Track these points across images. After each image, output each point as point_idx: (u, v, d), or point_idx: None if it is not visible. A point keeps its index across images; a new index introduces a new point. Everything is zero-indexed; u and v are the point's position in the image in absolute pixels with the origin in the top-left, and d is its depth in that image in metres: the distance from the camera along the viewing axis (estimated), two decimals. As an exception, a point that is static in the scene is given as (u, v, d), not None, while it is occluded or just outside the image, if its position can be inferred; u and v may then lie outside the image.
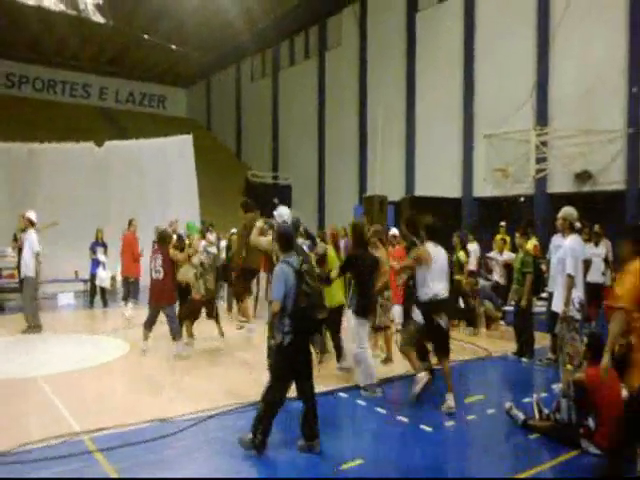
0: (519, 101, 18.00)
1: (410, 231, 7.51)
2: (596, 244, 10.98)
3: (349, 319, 7.26)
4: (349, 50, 25.77)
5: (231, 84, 35.09)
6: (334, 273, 7.16)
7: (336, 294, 7.78)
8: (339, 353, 7.82)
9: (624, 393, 4.97)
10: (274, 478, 4.87)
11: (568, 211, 6.95)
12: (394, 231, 10.52)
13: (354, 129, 25.40)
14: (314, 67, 28.12)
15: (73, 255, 14.87)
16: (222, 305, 12.44)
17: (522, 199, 17.76)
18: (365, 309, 7.00)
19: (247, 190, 25.64)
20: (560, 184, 17.15)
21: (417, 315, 6.56)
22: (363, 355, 6.89)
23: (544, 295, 9.46)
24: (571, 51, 17.00)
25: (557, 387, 6.81)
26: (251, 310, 9.69)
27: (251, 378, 7.37)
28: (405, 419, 5.98)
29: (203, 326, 9.93)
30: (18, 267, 12.65)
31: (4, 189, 16.05)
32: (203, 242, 10.88)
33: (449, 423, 5.88)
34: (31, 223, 11.01)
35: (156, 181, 17.43)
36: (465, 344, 9.57)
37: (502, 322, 11.01)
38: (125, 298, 12.48)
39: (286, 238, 5.32)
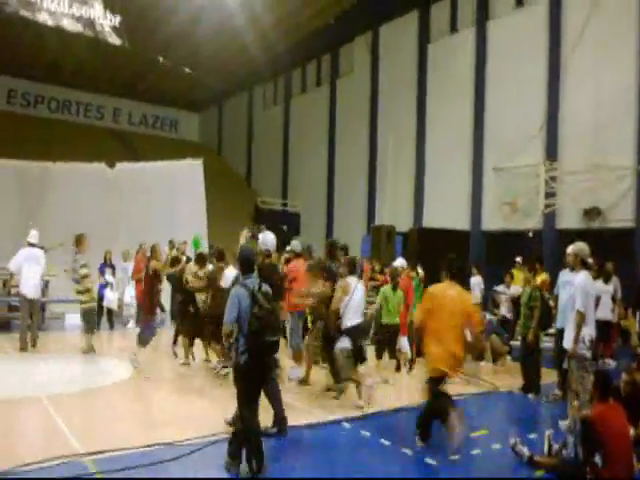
0: (529, 134, 18.06)
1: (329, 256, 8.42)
2: (606, 281, 10.94)
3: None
4: (361, 78, 25.90)
5: (243, 110, 35.40)
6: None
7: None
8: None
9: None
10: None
11: (580, 246, 6.84)
12: (399, 262, 10.55)
13: (364, 158, 25.44)
14: (326, 95, 28.31)
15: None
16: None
17: (530, 234, 17.70)
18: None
19: (256, 216, 25.71)
20: (569, 220, 17.09)
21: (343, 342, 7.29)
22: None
23: (552, 331, 9.38)
24: (582, 87, 17.08)
25: (563, 424, 6.74)
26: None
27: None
28: (409, 451, 5.93)
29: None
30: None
31: (16, 207, 16.13)
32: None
33: (454, 457, 5.79)
34: (28, 242, 11.39)
35: (166, 204, 17.46)
36: (471, 378, 9.50)
37: (509, 357, 10.93)
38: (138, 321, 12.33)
39: (246, 261, 5.52)
